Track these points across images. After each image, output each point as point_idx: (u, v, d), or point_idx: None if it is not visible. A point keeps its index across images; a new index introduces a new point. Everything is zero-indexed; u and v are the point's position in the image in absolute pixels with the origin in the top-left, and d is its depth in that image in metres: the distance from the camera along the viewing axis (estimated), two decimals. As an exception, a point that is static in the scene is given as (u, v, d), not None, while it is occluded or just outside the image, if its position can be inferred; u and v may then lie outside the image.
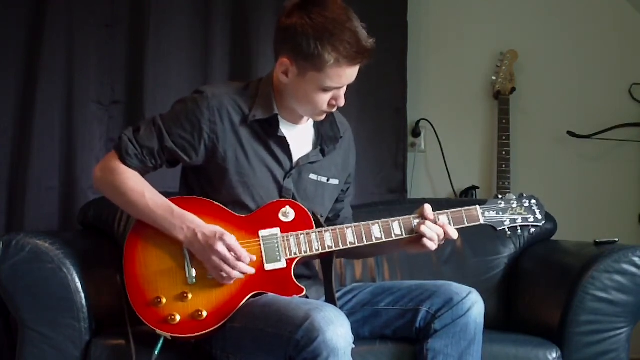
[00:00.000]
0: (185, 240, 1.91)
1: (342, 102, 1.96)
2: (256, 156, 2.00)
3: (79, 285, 2.06)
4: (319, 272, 2.12)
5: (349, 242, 1.95)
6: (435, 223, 1.95)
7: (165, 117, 2.00)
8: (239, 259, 1.87)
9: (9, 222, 2.86)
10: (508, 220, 2.01)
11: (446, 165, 3.26)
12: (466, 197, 3.20)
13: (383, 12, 3.08)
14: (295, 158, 2.05)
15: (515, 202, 2.03)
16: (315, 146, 2.09)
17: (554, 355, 2.11)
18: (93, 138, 2.92)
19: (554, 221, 2.58)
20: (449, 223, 1.97)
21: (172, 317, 1.90)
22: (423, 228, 1.94)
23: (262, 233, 1.95)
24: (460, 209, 1.99)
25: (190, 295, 1.91)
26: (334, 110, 2.00)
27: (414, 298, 2.00)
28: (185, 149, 1.98)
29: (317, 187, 2.08)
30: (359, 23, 1.89)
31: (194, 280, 1.92)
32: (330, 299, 1.97)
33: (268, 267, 1.93)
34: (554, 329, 2.18)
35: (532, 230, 2.05)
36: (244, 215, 1.97)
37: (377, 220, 1.97)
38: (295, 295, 1.91)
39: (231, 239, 1.87)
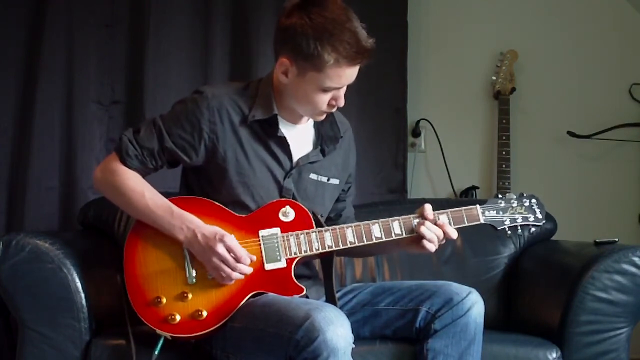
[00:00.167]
0: (185, 241, 1.91)
1: (341, 102, 1.96)
2: (256, 156, 2.00)
3: (79, 285, 2.06)
4: (319, 271, 2.12)
5: (349, 242, 1.95)
6: (435, 223, 1.95)
7: (165, 117, 2.00)
8: (238, 260, 1.87)
9: (9, 222, 2.85)
10: (508, 219, 2.01)
11: (446, 165, 3.26)
12: (466, 197, 3.20)
13: (383, 12, 3.08)
14: (295, 158, 2.05)
15: (516, 202, 2.03)
16: (315, 146, 2.09)
17: (554, 355, 2.11)
18: (93, 138, 2.92)
19: (554, 221, 2.58)
20: (449, 223, 1.96)
21: (172, 317, 1.90)
22: (422, 229, 1.94)
23: (262, 233, 1.95)
24: (460, 208, 1.99)
25: (190, 295, 1.91)
26: (334, 110, 2.00)
27: (414, 298, 2.00)
28: (185, 150, 1.98)
29: (317, 187, 2.08)
30: (359, 23, 1.89)
31: (194, 280, 1.92)
32: (331, 299, 1.97)
33: (268, 266, 1.93)
34: (554, 329, 2.18)
35: (533, 229, 2.05)
36: (244, 215, 1.97)
37: (377, 220, 1.97)
38: (295, 295, 1.92)
39: (231, 240, 1.87)
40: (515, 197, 2.04)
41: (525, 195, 2.05)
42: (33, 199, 2.84)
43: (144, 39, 2.94)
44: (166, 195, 1.98)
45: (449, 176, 3.25)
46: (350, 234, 1.95)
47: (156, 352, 1.91)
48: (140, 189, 1.95)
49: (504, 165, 3.12)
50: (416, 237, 1.96)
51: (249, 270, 1.89)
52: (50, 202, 2.87)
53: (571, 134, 3.23)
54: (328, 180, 2.10)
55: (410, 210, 2.00)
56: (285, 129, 2.03)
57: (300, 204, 1.98)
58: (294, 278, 1.93)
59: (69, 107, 2.90)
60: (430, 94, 3.31)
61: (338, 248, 1.95)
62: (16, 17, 2.89)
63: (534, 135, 3.31)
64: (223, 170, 1.98)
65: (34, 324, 2.05)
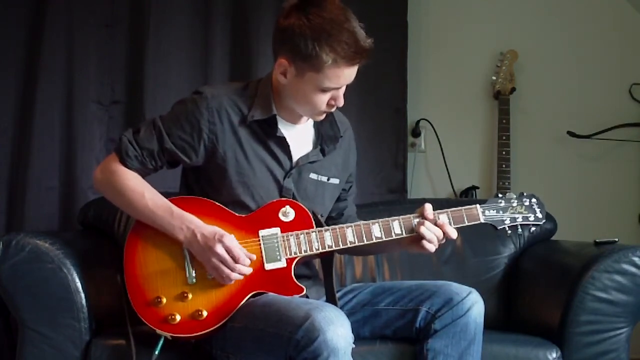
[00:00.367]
0: (185, 241, 1.91)
1: (341, 102, 1.96)
2: (256, 156, 2.00)
3: (79, 285, 2.06)
4: (319, 271, 2.12)
5: (349, 242, 1.95)
6: (435, 223, 1.95)
7: (165, 118, 2.00)
8: (236, 260, 1.87)
9: (9, 222, 2.86)
10: (508, 219, 2.01)
11: (446, 165, 3.26)
12: (466, 197, 3.20)
13: (383, 12, 3.08)
14: (295, 158, 2.04)
15: (516, 201, 2.03)
16: (315, 146, 2.09)
17: (554, 355, 2.11)
18: (93, 138, 2.92)
19: (554, 221, 2.58)
20: (449, 222, 1.96)
21: (172, 317, 1.90)
22: (422, 229, 1.93)
23: (262, 233, 1.95)
24: (460, 208, 1.99)
25: (190, 295, 1.91)
26: (333, 110, 2.00)
27: (414, 298, 2.00)
28: (185, 150, 1.98)
29: (317, 187, 2.08)
30: (357, 23, 1.89)
31: (194, 280, 1.92)
32: (331, 299, 1.97)
33: (268, 266, 1.93)
34: (554, 329, 2.18)
35: (533, 229, 2.05)
36: (244, 215, 1.97)
37: (377, 220, 1.97)
38: (295, 295, 1.92)
39: (230, 240, 1.87)
40: (515, 196, 2.03)
41: (525, 194, 2.04)
42: (33, 199, 2.84)
43: (144, 39, 2.94)
44: (166, 195, 1.98)
45: (449, 176, 3.25)
46: (350, 234, 1.95)
47: (156, 352, 1.91)
48: (140, 189, 1.95)
49: (504, 165, 3.12)
50: (416, 237, 1.96)
51: (248, 270, 1.89)
52: (50, 202, 2.87)
53: (571, 134, 3.23)
54: (328, 180, 2.10)
55: (410, 210, 1.99)
56: (285, 129, 2.03)
57: (300, 204, 1.98)
58: (294, 278, 1.93)
59: (69, 107, 2.90)
60: (430, 94, 3.31)
61: (338, 248, 1.95)
62: (16, 17, 2.89)
63: (534, 135, 3.31)
64: (223, 171, 1.98)
65: (34, 324, 2.05)
